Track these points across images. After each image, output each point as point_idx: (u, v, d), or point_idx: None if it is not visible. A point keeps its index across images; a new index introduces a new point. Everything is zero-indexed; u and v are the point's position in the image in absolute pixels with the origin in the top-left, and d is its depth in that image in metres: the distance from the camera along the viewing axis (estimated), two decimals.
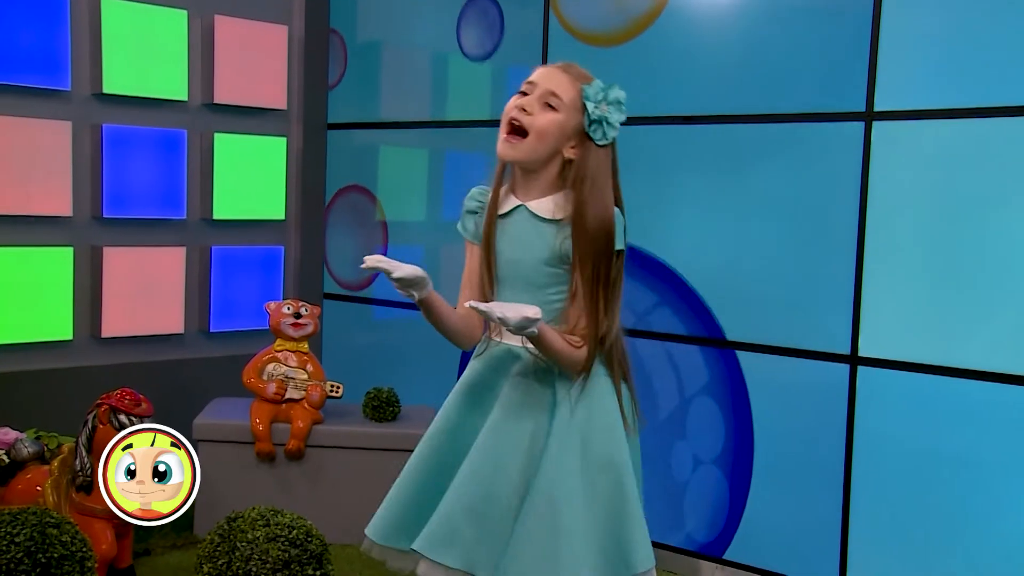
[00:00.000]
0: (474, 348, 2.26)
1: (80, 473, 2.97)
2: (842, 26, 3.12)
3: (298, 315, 3.70)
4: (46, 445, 3.34)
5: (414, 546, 2.11)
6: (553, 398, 2.12)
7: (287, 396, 3.66)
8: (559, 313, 2.12)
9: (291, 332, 3.70)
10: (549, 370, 2.12)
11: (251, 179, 4.40)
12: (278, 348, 3.72)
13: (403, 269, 1.99)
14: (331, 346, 4.64)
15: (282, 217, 4.53)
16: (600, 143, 2.11)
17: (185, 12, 4.16)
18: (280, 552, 2.67)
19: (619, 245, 2.12)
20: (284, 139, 4.50)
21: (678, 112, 3.47)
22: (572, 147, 2.12)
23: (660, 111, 3.50)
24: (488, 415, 2.14)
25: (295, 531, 2.73)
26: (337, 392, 3.70)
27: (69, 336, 3.96)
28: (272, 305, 3.75)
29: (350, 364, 4.59)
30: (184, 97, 4.20)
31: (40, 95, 3.85)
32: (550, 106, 2.10)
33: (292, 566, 2.67)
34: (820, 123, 3.18)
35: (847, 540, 3.14)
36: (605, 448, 2.10)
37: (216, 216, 4.30)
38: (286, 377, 3.68)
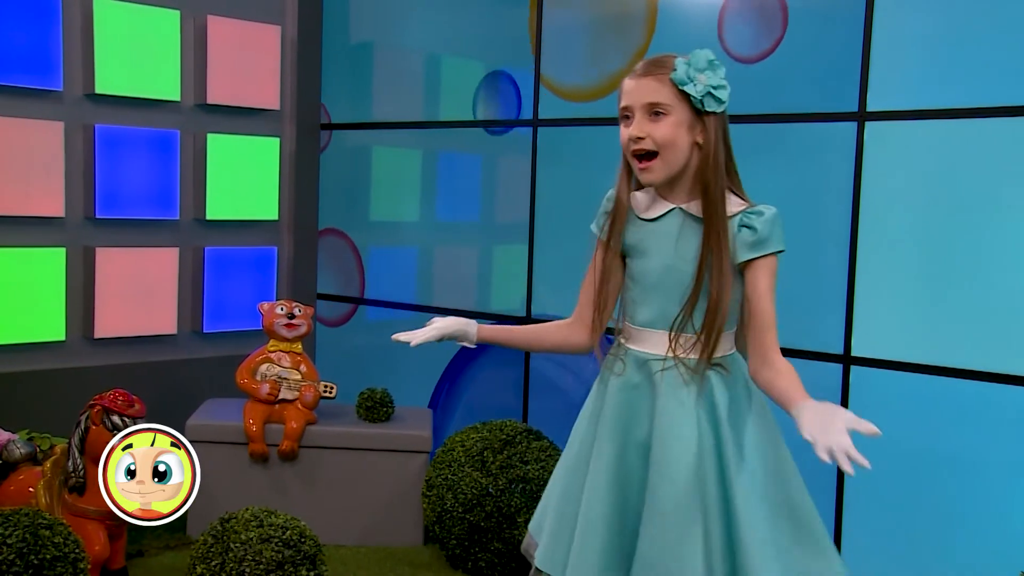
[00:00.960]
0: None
1: (73, 474, 2.97)
2: (835, 27, 3.12)
3: (291, 316, 3.70)
4: (38, 446, 3.33)
5: None
6: (713, 413, 2.03)
7: (280, 397, 3.65)
8: (702, 318, 2.04)
9: (284, 333, 3.70)
10: (700, 380, 2.04)
11: (244, 179, 4.39)
12: (271, 349, 3.72)
13: (433, 331, 2.11)
14: (324, 347, 4.64)
15: (275, 218, 4.53)
16: (720, 110, 2.03)
17: (178, 12, 4.15)
18: (274, 553, 2.67)
19: (781, 245, 2.05)
20: (277, 139, 4.50)
21: None
22: (700, 132, 2.04)
23: None
24: (644, 428, 2.05)
25: (289, 532, 2.72)
26: (330, 393, 3.70)
27: (62, 337, 3.95)
28: (265, 306, 3.74)
29: (343, 365, 4.59)
30: (177, 97, 4.19)
31: (32, 95, 3.84)
32: (658, 113, 2.02)
33: (286, 567, 2.67)
34: (813, 123, 3.18)
35: (840, 539, 3.15)
36: (776, 461, 2.06)
37: (209, 216, 4.30)
38: (279, 378, 3.67)
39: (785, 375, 2.01)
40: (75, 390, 3.80)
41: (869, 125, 3.06)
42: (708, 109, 2.02)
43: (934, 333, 2.95)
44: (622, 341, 2.12)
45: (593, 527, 2.05)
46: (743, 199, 2.08)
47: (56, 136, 3.87)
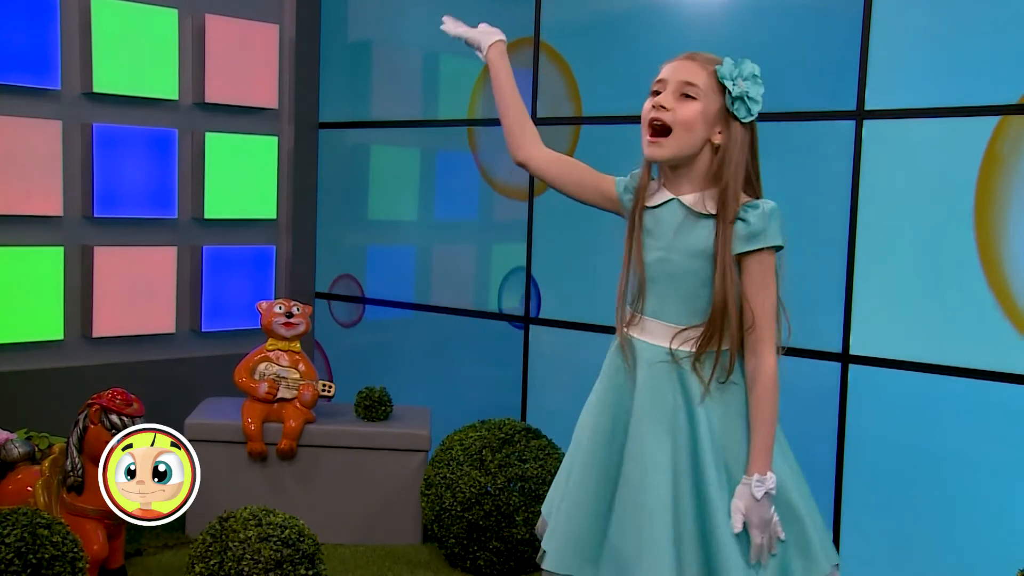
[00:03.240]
0: None
1: (71, 473, 2.96)
2: (833, 25, 3.12)
3: (290, 315, 3.70)
4: (37, 445, 3.33)
5: None
6: (688, 404, 2.05)
7: (279, 395, 3.65)
8: (706, 315, 2.04)
9: (283, 332, 3.70)
10: (680, 371, 2.05)
11: (242, 178, 4.39)
12: (270, 348, 3.71)
13: (452, 28, 2.36)
14: (323, 345, 4.64)
15: (273, 216, 4.52)
16: (745, 120, 2.03)
17: (176, 11, 4.15)
18: (272, 552, 2.66)
19: (778, 240, 2.06)
20: (275, 138, 4.50)
21: None
22: (719, 132, 2.04)
23: None
24: (628, 417, 2.08)
25: (287, 531, 2.72)
26: (329, 391, 3.70)
27: (60, 336, 3.95)
28: (264, 304, 3.74)
29: (342, 363, 4.59)
30: (175, 96, 4.19)
31: (30, 94, 3.84)
32: (688, 96, 2.02)
33: (284, 566, 2.67)
34: (811, 122, 3.18)
35: (839, 536, 3.15)
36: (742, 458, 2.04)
37: (207, 215, 4.30)
38: (278, 376, 3.67)
39: (755, 417, 2.05)
40: (73, 389, 3.79)
41: (867, 123, 3.06)
42: (735, 111, 2.02)
43: (933, 332, 2.95)
44: (625, 330, 2.13)
45: (577, 509, 2.10)
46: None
47: (54, 135, 3.87)
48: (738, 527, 1.96)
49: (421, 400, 4.11)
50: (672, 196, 2.08)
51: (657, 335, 2.07)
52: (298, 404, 3.65)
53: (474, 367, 4.09)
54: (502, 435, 3.38)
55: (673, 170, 2.08)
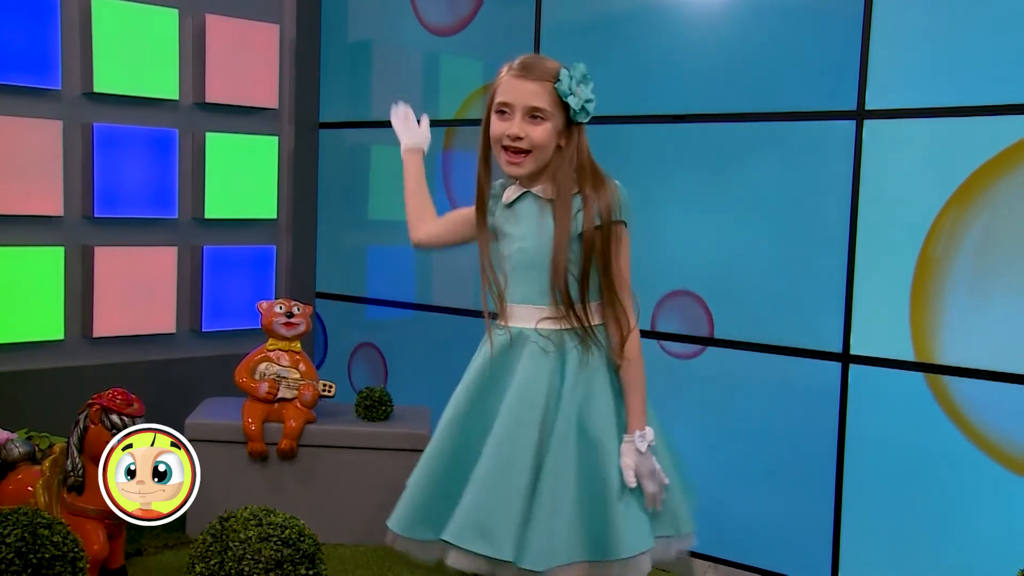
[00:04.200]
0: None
1: (71, 473, 2.96)
2: (833, 25, 3.12)
3: (290, 314, 3.70)
4: (37, 445, 3.33)
5: (445, 536, 2.19)
6: (561, 378, 2.24)
7: (279, 395, 3.65)
8: (561, 295, 2.23)
9: (283, 331, 3.70)
10: (559, 350, 2.24)
11: (243, 178, 4.39)
12: (270, 347, 3.71)
13: (403, 122, 2.62)
14: (322, 345, 4.64)
15: (274, 216, 4.52)
16: (586, 121, 2.25)
17: (176, 11, 4.15)
18: (273, 552, 2.66)
19: (622, 215, 2.26)
20: (276, 138, 4.50)
21: (668, 111, 3.48)
22: (563, 136, 2.24)
23: (650, 110, 3.50)
24: (501, 398, 2.23)
25: (288, 531, 2.72)
26: (329, 391, 3.70)
27: (60, 336, 3.95)
28: (264, 304, 3.74)
29: (343, 363, 4.59)
30: (175, 96, 4.19)
31: (30, 94, 3.84)
32: (536, 118, 2.21)
33: (284, 566, 2.67)
34: (811, 122, 3.18)
35: (839, 537, 3.15)
36: (597, 432, 2.23)
37: (208, 215, 4.30)
38: (278, 376, 3.67)
39: (627, 381, 2.26)
40: (73, 389, 3.79)
41: (868, 123, 3.06)
42: (580, 119, 2.23)
43: (933, 332, 2.95)
44: (500, 322, 2.31)
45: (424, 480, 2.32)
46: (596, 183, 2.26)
47: (54, 135, 3.87)
48: (631, 481, 2.18)
49: (421, 400, 4.11)
50: (524, 189, 2.28)
51: (523, 319, 2.26)
52: (298, 404, 3.65)
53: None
54: None
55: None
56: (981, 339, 2.86)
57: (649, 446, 2.21)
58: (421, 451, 3.58)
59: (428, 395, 4.18)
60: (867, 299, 3.08)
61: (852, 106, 3.09)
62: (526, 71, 2.21)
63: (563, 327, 2.24)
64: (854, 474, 3.12)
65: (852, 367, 3.11)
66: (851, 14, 3.07)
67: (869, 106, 3.06)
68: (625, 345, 2.24)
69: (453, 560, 2.20)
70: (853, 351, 3.11)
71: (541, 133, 2.20)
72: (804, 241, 3.21)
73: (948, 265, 2.91)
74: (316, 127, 4.63)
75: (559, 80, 2.19)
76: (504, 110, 2.23)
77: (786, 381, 3.25)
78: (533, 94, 2.20)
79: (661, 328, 3.51)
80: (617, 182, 2.27)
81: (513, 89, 2.21)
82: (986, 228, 2.84)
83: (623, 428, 2.25)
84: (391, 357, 4.42)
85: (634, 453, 2.20)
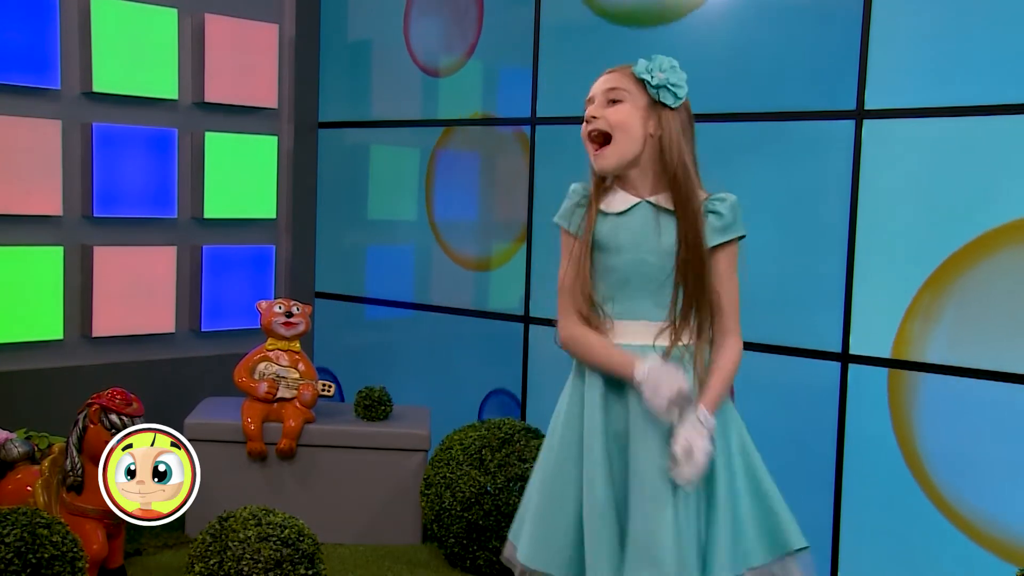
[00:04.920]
0: None
1: (71, 473, 2.96)
2: (832, 25, 3.12)
3: (289, 314, 3.70)
4: (36, 445, 3.33)
5: None
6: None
7: (278, 395, 3.65)
8: (674, 309, 2.15)
9: (282, 331, 3.70)
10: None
11: (242, 178, 4.39)
12: (269, 347, 3.71)
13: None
14: (322, 345, 4.64)
15: (273, 216, 4.52)
16: (674, 106, 2.13)
17: (175, 11, 4.15)
18: (272, 551, 2.67)
19: (743, 230, 2.17)
20: (275, 138, 4.50)
21: None
22: (655, 124, 2.14)
23: None
24: (624, 425, 2.13)
25: (287, 530, 2.72)
26: (329, 391, 3.70)
27: (60, 336, 3.95)
28: (263, 304, 3.74)
29: (342, 363, 4.58)
30: (174, 96, 4.19)
31: (29, 94, 3.84)
32: (615, 101, 2.14)
33: (284, 565, 2.67)
34: (811, 121, 3.18)
35: (838, 537, 3.15)
36: (741, 438, 2.20)
37: (207, 215, 4.30)
38: (277, 376, 3.67)
39: (718, 368, 2.17)
40: (73, 389, 3.79)
41: (867, 123, 3.06)
42: (663, 100, 2.12)
43: (932, 331, 2.95)
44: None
45: (602, 519, 2.11)
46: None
47: (54, 135, 3.87)
48: (679, 451, 2.02)
49: (420, 400, 4.11)
50: (639, 199, 2.16)
51: (635, 335, 2.15)
52: (298, 404, 3.65)
53: (474, 367, 4.09)
54: (502, 435, 3.38)
55: (626, 174, 2.17)
56: (982, 339, 2.86)
57: (709, 431, 2.06)
58: (421, 451, 3.63)
59: (428, 395, 4.18)
60: (866, 299, 3.08)
61: (851, 106, 3.09)
62: (609, 70, 2.20)
63: (679, 343, 2.13)
64: (853, 473, 3.12)
65: (851, 367, 3.11)
66: (851, 14, 3.07)
67: (868, 106, 3.06)
68: (728, 349, 2.19)
69: None
70: (852, 351, 3.11)
71: (617, 113, 2.12)
72: (803, 241, 3.21)
73: (948, 264, 2.91)
74: (315, 127, 4.63)
75: (636, 64, 2.15)
76: (587, 107, 2.19)
77: (785, 381, 3.25)
78: (610, 80, 2.16)
79: None
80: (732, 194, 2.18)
81: (594, 85, 2.19)
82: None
83: (744, 439, 2.20)
84: (390, 357, 4.42)
85: (696, 424, 2.04)
